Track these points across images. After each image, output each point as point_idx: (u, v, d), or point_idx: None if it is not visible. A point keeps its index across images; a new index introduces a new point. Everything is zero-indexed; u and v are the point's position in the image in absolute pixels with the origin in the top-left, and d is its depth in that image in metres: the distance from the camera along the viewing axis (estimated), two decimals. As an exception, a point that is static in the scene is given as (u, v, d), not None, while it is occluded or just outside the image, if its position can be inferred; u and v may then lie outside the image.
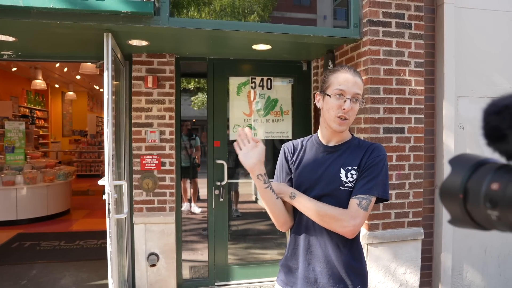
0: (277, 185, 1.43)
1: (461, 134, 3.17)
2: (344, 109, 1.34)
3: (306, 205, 1.35)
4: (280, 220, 1.42)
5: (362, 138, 1.56)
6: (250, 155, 1.30)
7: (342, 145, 1.43)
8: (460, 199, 0.47)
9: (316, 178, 1.39)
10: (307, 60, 3.74)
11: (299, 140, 1.53)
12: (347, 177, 1.36)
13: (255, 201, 4.83)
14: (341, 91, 1.35)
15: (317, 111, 3.36)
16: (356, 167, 1.37)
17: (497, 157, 0.46)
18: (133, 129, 3.28)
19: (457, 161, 0.50)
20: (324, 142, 1.45)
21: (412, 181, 2.91)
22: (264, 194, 1.35)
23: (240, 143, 1.31)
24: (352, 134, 1.49)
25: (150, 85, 3.22)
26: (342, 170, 1.37)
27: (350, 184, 1.36)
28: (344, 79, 1.36)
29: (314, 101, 1.52)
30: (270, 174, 1.35)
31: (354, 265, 1.39)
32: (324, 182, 1.38)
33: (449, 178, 0.49)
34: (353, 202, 1.32)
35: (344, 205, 1.35)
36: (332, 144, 1.44)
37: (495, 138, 0.44)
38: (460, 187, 0.47)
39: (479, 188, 0.44)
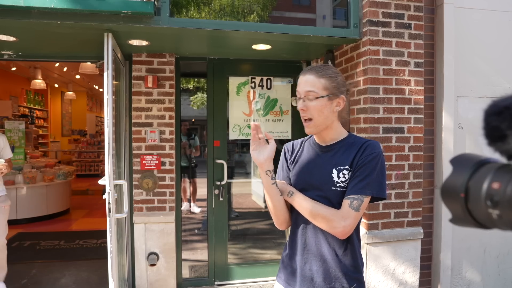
0: (278, 182, 1.44)
1: (461, 134, 3.18)
2: (302, 109, 1.38)
3: (302, 204, 1.36)
4: (280, 218, 1.44)
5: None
6: (262, 151, 1.34)
7: (336, 144, 1.42)
8: (461, 198, 0.48)
9: (310, 179, 1.40)
10: (307, 60, 3.75)
11: (299, 140, 1.54)
12: (339, 177, 1.34)
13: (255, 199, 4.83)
14: (298, 93, 1.40)
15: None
16: (348, 167, 1.35)
17: (498, 157, 0.47)
18: (133, 128, 3.29)
19: (459, 161, 0.50)
20: (318, 142, 1.46)
21: (412, 181, 2.91)
22: (269, 190, 1.37)
23: (255, 135, 1.34)
24: (348, 132, 1.47)
25: (150, 85, 3.22)
26: (334, 170, 1.36)
27: (343, 184, 1.34)
28: (298, 82, 1.41)
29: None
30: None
31: (350, 264, 1.38)
32: (318, 182, 1.38)
33: (451, 177, 0.50)
34: (345, 202, 1.31)
35: (337, 205, 1.34)
36: (326, 143, 1.44)
37: (495, 139, 0.45)
38: (462, 186, 0.48)
39: (480, 187, 0.45)
